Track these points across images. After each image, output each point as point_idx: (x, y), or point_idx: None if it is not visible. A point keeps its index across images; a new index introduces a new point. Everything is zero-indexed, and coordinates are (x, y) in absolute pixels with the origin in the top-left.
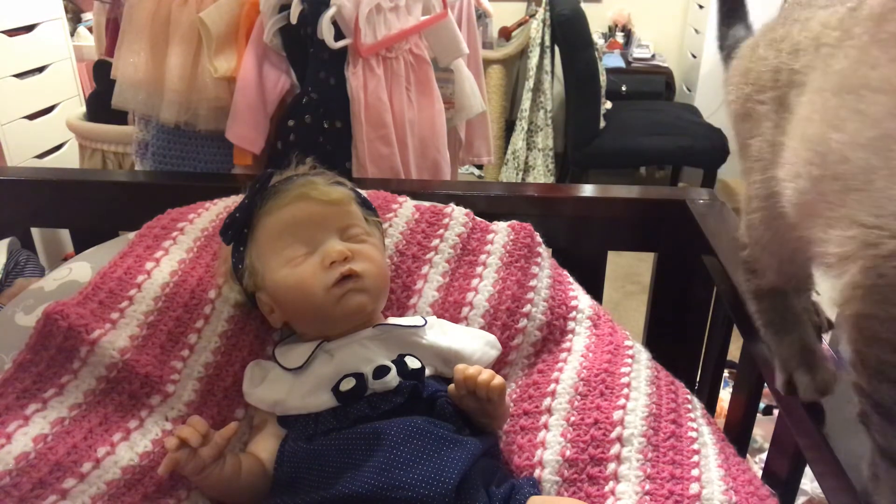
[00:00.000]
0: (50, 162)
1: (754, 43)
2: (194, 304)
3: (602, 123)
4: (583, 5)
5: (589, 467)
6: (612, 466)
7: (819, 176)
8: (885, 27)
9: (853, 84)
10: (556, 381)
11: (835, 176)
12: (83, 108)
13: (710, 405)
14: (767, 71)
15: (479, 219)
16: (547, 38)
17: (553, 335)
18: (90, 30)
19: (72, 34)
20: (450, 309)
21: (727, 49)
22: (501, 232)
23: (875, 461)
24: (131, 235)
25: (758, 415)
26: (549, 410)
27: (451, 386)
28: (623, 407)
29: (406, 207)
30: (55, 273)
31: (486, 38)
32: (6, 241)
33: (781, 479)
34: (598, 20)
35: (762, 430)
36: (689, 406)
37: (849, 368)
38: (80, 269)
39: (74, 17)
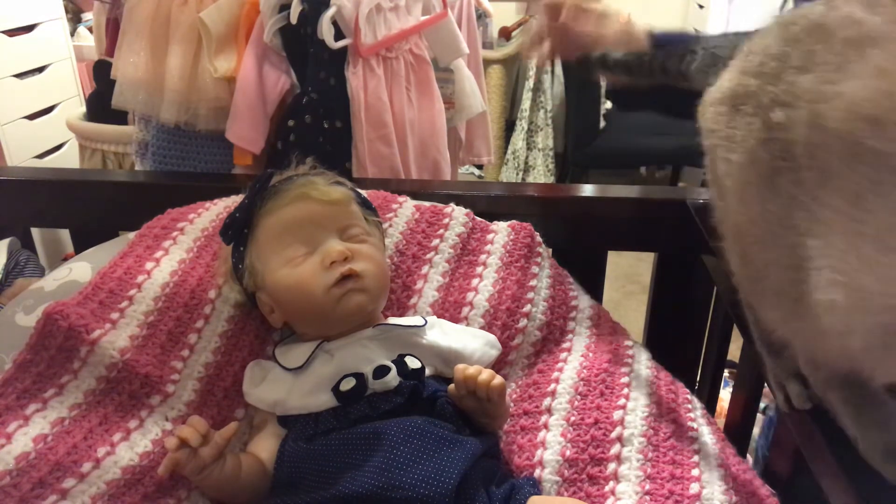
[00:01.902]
0: (50, 162)
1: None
2: (194, 304)
3: (602, 123)
4: None
5: (589, 467)
6: (612, 466)
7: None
8: None
9: None
10: (556, 380)
11: None
12: (83, 108)
13: (710, 405)
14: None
15: (479, 219)
16: None
17: (553, 335)
18: (90, 30)
19: (72, 34)
20: (450, 309)
21: None
22: (501, 232)
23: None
24: (131, 235)
25: (758, 415)
26: (549, 410)
27: (451, 386)
28: (623, 407)
29: (406, 207)
30: (55, 273)
31: (486, 38)
32: (6, 241)
33: (781, 479)
34: None
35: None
36: (689, 406)
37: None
38: (80, 269)
39: (74, 17)
